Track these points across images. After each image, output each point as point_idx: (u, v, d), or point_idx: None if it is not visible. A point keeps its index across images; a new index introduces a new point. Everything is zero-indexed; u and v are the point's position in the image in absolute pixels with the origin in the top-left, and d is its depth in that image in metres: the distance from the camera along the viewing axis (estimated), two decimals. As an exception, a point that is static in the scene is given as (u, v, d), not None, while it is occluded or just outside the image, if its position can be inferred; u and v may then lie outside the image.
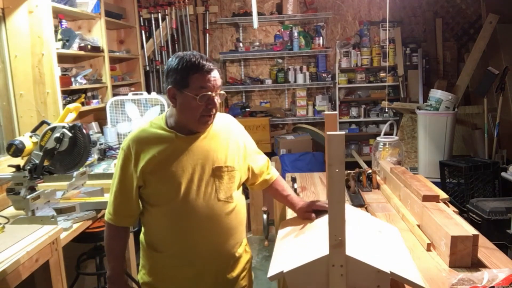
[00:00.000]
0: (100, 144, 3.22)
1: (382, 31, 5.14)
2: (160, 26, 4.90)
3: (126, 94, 3.49)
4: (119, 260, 1.58)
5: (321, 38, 5.13)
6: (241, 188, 1.63)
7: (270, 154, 4.64)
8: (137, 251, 2.46)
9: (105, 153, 3.26)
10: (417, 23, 5.30)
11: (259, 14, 4.60)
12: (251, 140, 1.68)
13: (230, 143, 1.56)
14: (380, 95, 5.18)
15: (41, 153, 2.03)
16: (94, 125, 3.65)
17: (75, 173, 2.34)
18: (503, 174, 3.18)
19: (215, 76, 1.44)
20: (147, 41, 4.94)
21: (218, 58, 5.27)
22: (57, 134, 2.02)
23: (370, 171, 2.43)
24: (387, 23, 4.30)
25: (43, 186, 2.31)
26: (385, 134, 3.47)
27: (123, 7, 4.53)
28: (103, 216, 2.19)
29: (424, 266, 1.42)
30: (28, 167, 2.03)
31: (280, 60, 5.39)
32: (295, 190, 2.30)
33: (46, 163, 2.05)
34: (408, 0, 5.19)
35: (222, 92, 1.50)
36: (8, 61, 2.78)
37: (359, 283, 1.17)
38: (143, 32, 4.84)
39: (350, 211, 1.62)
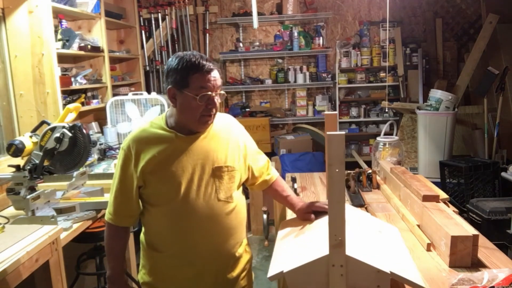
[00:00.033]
0: (100, 144, 3.22)
1: (382, 31, 5.14)
2: (160, 26, 4.90)
3: (126, 94, 3.49)
4: (119, 260, 1.58)
5: (321, 38, 5.13)
6: (241, 188, 1.63)
7: (270, 154, 4.64)
8: (137, 251, 2.46)
9: (105, 153, 3.26)
10: (417, 23, 5.30)
11: (259, 14, 4.60)
12: (252, 140, 1.68)
13: (230, 143, 1.56)
14: (380, 95, 5.18)
15: (41, 153, 2.03)
16: (94, 125, 3.65)
17: (75, 173, 2.34)
18: (503, 174, 3.18)
19: (215, 76, 1.44)
20: (147, 41, 4.94)
21: (218, 58, 5.27)
22: (57, 134, 2.02)
23: (370, 171, 2.43)
24: (387, 23, 4.30)
25: (43, 186, 2.31)
26: (385, 134, 3.47)
27: (123, 7, 4.53)
28: (103, 216, 2.19)
29: (424, 266, 1.42)
30: (28, 167, 2.03)
31: (280, 60, 5.39)
32: (295, 190, 2.30)
33: (46, 163, 2.05)
34: (408, 0, 5.19)
35: (222, 92, 1.50)
36: (8, 61, 2.78)
37: (359, 283, 1.17)
38: (143, 32, 4.84)
39: (350, 211, 1.62)
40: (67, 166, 2.09)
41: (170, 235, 1.50)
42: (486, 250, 1.52)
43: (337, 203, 1.12)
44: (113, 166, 2.89)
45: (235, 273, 1.58)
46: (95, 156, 3.13)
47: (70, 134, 2.02)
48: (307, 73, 5.23)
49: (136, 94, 3.46)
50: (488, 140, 4.19)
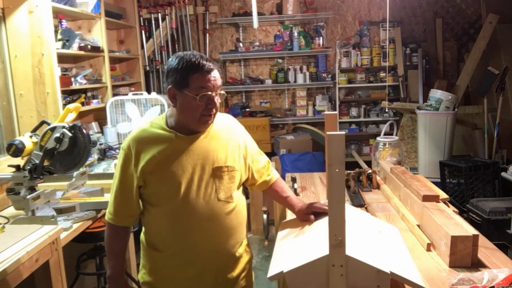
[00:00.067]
0: (100, 144, 3.22)
1: (382, 31, 5.14)
2: (160, 26, 4.90)
3: (126, 94, 3.49)
4: (119, 259, 1.59)
5: (321, 38, 5.13)
6: (241, 188, 1.63)
7: (270, 154, 4.64)
8: (137, 251, 2.46)
9: (105, 153, 3.26)
10: (417, 23, 5.30)
11: (259, 14, 4.60)
12: (252, 140, 1.68)
13: (230, 143, 1.56)
14: (380, 95, 5.18)
15: (41, 153, 2.03)
16: (94, 125, 3.65)
17: (75, 173, 2.34)
18: (503, 174, 3.18)
19: (215, 76, 1.44)
20: (147, 41, 4.94)
21: (218, 58, 5.27)
22: (57, 134, 2.02)
23: (370, 171, 2.43)
24: (387, 23, 4.30)
25: (43, 186, 2.31)
26: (385, 134, 3.47)
27: (123, 7, 4.53)
28: (103, 216, 2.19)
29: (424, 266, 1.42)
30: (28, 167, 2.03)
31: (280, 60, 5.39)
32: (295, 190, 2.30)
33: (46, 163, 2.05)
34: (408, 0, 5.19)
35: (222, 92, 1.50)
36: (8, 61, 2.78)
37: (359, 283, 1.17)
38: (143, 32, 4.84)
39: (350, 211, 1.62)
40: (67, 166, 2.09)
41: (170, 235, 1.50)
42: (486, 250, 1.52)
43: (337, 203, 1.13)
44: (113, 166, 2.89)
45: (235, 273, 1.58)
46: (95, 156, 3.13)
47: (70, 134, 2.02)
48: (307, 73, 5.23)
49: (136, 94, 3.46)
50: (488, 140, 4.19)
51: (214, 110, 1.47)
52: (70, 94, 3.37)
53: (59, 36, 3.15)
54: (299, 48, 5.09)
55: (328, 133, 1.12)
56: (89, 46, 3.45)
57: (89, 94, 3.59)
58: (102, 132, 3.46)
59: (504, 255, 1.50)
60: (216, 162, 1.50)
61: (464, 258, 1.41)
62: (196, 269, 1.52)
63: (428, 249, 1.54)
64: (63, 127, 2.03)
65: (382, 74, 5.08)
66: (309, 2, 5.25)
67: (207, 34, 5.18)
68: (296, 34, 5.07)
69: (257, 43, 5.23)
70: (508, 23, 4.59)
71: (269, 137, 4.92)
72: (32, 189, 2.07)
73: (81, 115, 3.48)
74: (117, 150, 3.28)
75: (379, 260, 1.19)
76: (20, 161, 2.15)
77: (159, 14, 4.88)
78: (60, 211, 2.08)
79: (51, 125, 2.06)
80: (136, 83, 4.57)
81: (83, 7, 3.41)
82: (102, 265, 2.43)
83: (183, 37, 5.02)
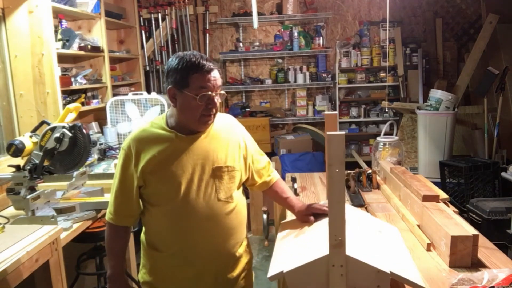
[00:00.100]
0: (100, 144, 3.22)
1: (382, 31, 5.14)
2: (160, 26, 4.90)
3: (126, 94, 3.49)
4: (119, 259, 1.59)
5: (321, 38, 5.13)
6: (241, 188, 1.63)
7: (270, 154, 4.64)
8: (137, 251, 2.46)
9: (105, 153, 3.26)
10: (417, 23, 5.31)
11: (259, 14, 4.60)
12: (252, 140, 1.68)
13: (231, 143, 1.56)
14: (380, 95, 5.18)
15: (41, 153, 2.03)
16: (94, 125, 3.65)
17: (75, 173, 2.34)
18: (503, 174, 3.18)
19: (215, 76, 1.44)
20: (147, 41, 4.94)
21: (218, 58, 5.27)
22: (57, 134, 2.02)
23: (370, 171, 2.43)
24: (387, 23, 4.30)
25: (43, 186, 2.31)
26: (385, 134, 3.47)
27: (123, 7, 4.53)
28: (103, 216, 2.20)
29: (424, 266, 1.42)
30: (28, 167, 2.03)
31: (280, 60, 5.39)
32: (295, 190, 2.30)
33: (46, 163, 2.05)
34: (408, 0, 5.19)
35: (222, 92, 1.50)
36: (8, 61, 2.78)
37: (359, 283, 1.17)
38: (143, 32, 4.84)
39: (350, 211, 1.62)
40: (67, 166, 2.09)
41: (170, 235, 1.50)
42: (486, 250, 1.52)
43: (337, 203, 1.12)
44: (113, 166, 2.89)
45: (235, 273, 1.58)
46: (95, 156, 3.13)
47: (70, 134, 2.02)
48: (307, 73, 5.23)
49: (136, 94, 3.46)
50: (488, 140, 4.19)
51: (214, 110, 1.47)
52: (70, 94, 3.37)
53: (59, 36, 3.15)
54: (299, 48, 5.09)
55: (328, 133, 1.12)
56: (89, 46, 3.45)
57: (89, 94, 3.59)
58: (102, 132, 3.46)
59: (504, 255, 1.50)
60: (216, 162, 1.50)
61: (464, 258, 1.41)
62: (196, 269, 1.52)
63: (428, 249, 1.54)
64: (63, 127, 2.03)
65: (382, 74, 5.08)
66: (309, 2, 5.25)
67: (207, 34, 5.18)
68: (296, 34, 5.07)
69: (257, 43, 5.23)
70: (508, 23, 4.59)
71: (269, 137, 4.92)
72: (32, 189, 2.07)
73: (81, 115, 3.48)
74: (117, 150, 3.28)
75: (379, 260, 1.19)
76: (20, 161, 2.15)
77: (159, 14, 4.88)
78: (60, 211, 2.08)
79: (51, 125, 2.06)
80: (136, 83, 4.57)
81: (83, 7, 3.41)
82: (102, 265, 2.43)
83: (183, 37, 5.02)
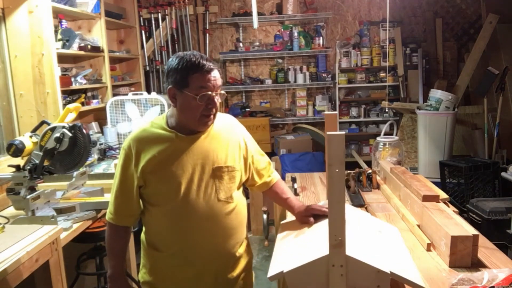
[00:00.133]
0: (100, 144, 3.22)
1: (382, 31, 5.14)
2: (160, 26, 4.90)
3: (126, 94, 3.49)
4: (120, 259, 1.59)
5: (321, 38, 5.13)
6: (241, 188, 1.63)
7: (270, 154, 4.64)
8: (137, 251, 2.46)
9: (105, 153, 3.26)
10: (417, 23, 5.31)
11: (259, 14, 4.60)
12: (253, 140, 1.68)
13: (231, 143, 1.56)
14: (380, 95, 5.18)
15: (41, 153, 2.03)
16: (94, 125, 3.65)
17: (75, 173, 2.34)
18: (503, 174, 3.18)
19: (215, 76, 1.44)
20: (147, 41, 4.94)
21: (218, 58, 5.27)
22: (57, 134, 2.02)
23: (370, 171, 2.43)
24: (387, 23, 4.30)
25: (43, 186, 2.31)
26: (385, 134, 3.47)
27: (123, 7, 4.53)
28: (103, 216, 2.20)
29: (424, 266, 1.42)
30: (28, 167, 2.03)
31: (280, 60, 5.39)
32: (295, 190, 2.30)
33: (46, 163, 2.05)
34: (408, 0, 5.19)
35: (222, 92, 1.50)
36: (8, 61, 2.78)
37: (359, 283, 1.17)
38: (143, 32, 4.84)
39: (350, 211, 1.62)
40: (67, 166, 2.09)
41: (170, 235, 1.50)
42: (486, 250, 1.52)
43: (337, 203, 1.12)
44: (113, 166, 2.89)
45: (235, 273, 1.58)
46: (95, 156, 3.13)
47: (70, 134, 2.02)
48: (307, 73, 5.23)
49: (136, 94, 3.46)
50: (488, 140, 4.19)
51: (214, 110, 1.47)
52: (70, 94, 3.37)
53: (59, 36, 3.15)
54: (299, 48, 5.09)
55: (328, 133, 1.12)
56: (89, 46, 3.45)
57: (89, 94, 3.59)
58: (102, 132, 3.46)
59: (504, 255, 1.50)
60: (216, 162, 1.50)
61: (464, 258, 1.41)
62: (196, 269, 1.52)
63: (428, 249, 1.54)
64: (63, 127, 2.03)
65: (382, 74, 5.08)
66: (309, 2, 5.25)
67: (207, 34, 5.18)
68: (296, 34, 5.07)
69: (257, 43, 5.23)
70: (508, 23, 4.59)
71: (269, 137, 4.92)
72: (32, 189, 2.07)
73: (81, 115, 3.48)
74: (117, 150, 3.28)
75: (379, 260, 1.19)
76: (20, 161, 2.15)
77: (159, 14, 4.88)
78: (60, 211, 2.08)
79: (51, 125, 2.06)
80: (136, 83, 4.57)
81: (83, 7, 3.41)
82: (102, 265, 2.43)
83: (183, 37, 5.02)
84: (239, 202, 1.58)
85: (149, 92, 4.13)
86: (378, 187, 2.32)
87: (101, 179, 2.56)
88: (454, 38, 5.23)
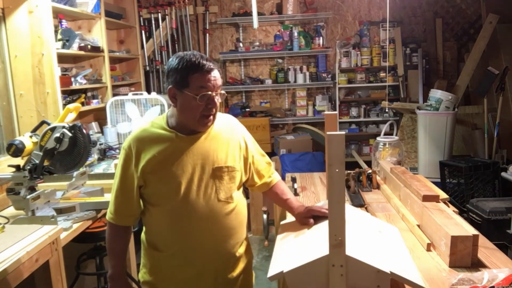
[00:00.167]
0: (100, 144, 3.22)
1: (382, 31, 5.14)
2: (160, 26, 4.90)
3: (126, 94, 3.49)
4: (120, 259, 1.59)
5: (321, 38, 5.13)
6: (241, 188, 1.63)
7: (270, 154, 4.63)
8: (137, 251, 2.46)
9: (105, 153, 3.26)
10: (417, 23, 5.31)
11: (259, 14, 4.60)
12: (253, 140, 1.68)
13: (231, 143, 1.56)
14: (380, 95, 5.18)
15: (41, 153, 2.03)
16: (94, 125, 3.65)
17: (75, 173, 2.34)
18: (503, 174, 3.18)
19: (215, 75, 1.44)
20: (147, 41, 4.94)
21: (218, 58, 5.27)
22: (57, 134, 2.02)
23: (370, 171, 2.43)
24: (387, 23, 4.30)
25: (43, 186, 2.31)
26: (385, 134, 3.47)
27: (123, 7, 4.53)
28: (103, 216, 2.20)
29: (424, 266, 1.42)
30: (28, 167, 2.03)
31: (280, 60, 5.39)
32: (295, 190, 2.30)
33: (46, 163, 2.05)
34: (408, 0, 5.19)
35: (223, 91, 1.50)
36: (8, 61, 2.78)
37: (359, 283, 1.17)
38: (143, 32, 4.84)
39: (350, 211, 1.62)
40: (67, 166, 2.09)
41: (170, 235, 1.50)
42: (486, 250, 1.52)
43: (337, 203, 1.12)
44: (113, 166, 2.89)
45: (235, 273, 1.58)
46: (95, 156, 3.13)
47: (70, 134, 2.02)
48: (307, 73, 5.23)
49: (136, 94, 3.46)
50: (488, 140, 4.19)
51: (214, 110, 1.46)
52: (70, 94, 3.37)
53: (59, 36, 3.15)
54: (299, 48, 5.09)
55: (328, 133, 1.12)
56: (89, 46, 3.45)
57: (89, 94, 3.59)
58: (102, 132, 3.46)
59: (504, 255, 1.50)
60: (216, 163, 1.50)
61: (464, 258, 1.41)
62: (196, 269, 1.52)
63: (428, 249, 1.54)
64: (63, 127, 2.03)
65: (382, 74, 5.08)
66: (309, 2, 5.25)
67: (207, 34, 5.18)
68: (296, 34, 5.07)
69: (257, 43, 5.23)
70: (508, 23, 4.59)
71: (269, 137, 4.92)
72: (32, 189, 2.07)
73: (81, 115, 3.48)
74: (117, 150, 3.28)
75: (379, 260, 1.19)
76: (20, 161, 2.15)
77: (159, 14, 4.88)
78: (60, 211, 2.08)
79: (51, 125, 2.06)
80: (136, 83, 4.57)
81: (83, 7, 3.41)
82: (102, 265, 2.43)
83: (183, 37, 5.02)
84: (239, 202, 1.58)
85: (149, 92, 4.13)
86: (378, 187, 2.32)
87: (101, 179, 2.56)
88: (454, 38, 5.23)
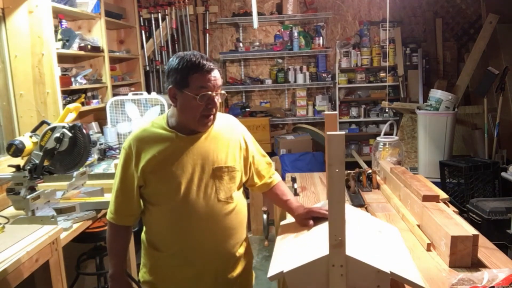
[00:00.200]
0: (100, 144, 3.22)
1: (382, 31, 5.14)
2: (160, 26, 4.90)
3: (126, 94, 3.49)
4: (120, 258, 1.59)
5: (321, 38, 5.13)
6: (241, 189, 1.63)
7: (270, 154, 4.61)
8: (137, 251, 2.46)
9: (105, 153, 3.26)
10: (417, 23, 5.31)
11: (259, 14, 4.60)
12: (254, 141, 1.67)
13: (231, 143, 1.56)
14: (380, 95, 5.18)
15: (41, 153, 2.03)
16: (94, 125, 3.65)
17: (75, 173, 2.34)
18: (503, 174, 3.18)
19: (215, 75, 1.44)
20: (147, 41, 4.94)
21: (218, 58, 5.27)
22: (57, 134, 2.02)
23: (370, 171, 2.43)
24: (387, 23, 4.30)
25: (43, 186, 2.31)
26: (385, 134, 3.47)
27: (123, 7, 4.53)
28: (103, 216, 2.20)
29: (424, 266, 1.42)
30: (28, 167, 2.03)
31: (280, 60, 5.39)
32: (295, 190, 2.30)
33: (46, 163, 2.05)
34: (408, 0, 5.19)
35: (223, 91, 1.50)
36: (8, 61, 2.78)
37: (359, 283, 1.17)
38: (143, 32, 4.84)
39: (350, 211, 1.62)
40: (67, 166, 2.09)
41: (170, 234, 1.50)
42: (486, 250, 1.52)
43: (337, 203, 1.12)
44: (113, 166, 2.89)
45: (235, 273, 1.58)
46: (95, 156, 3.13)
47: (70, 134, 2.02)
48: (307, 73, 5.23)
49: (136, 94, 3.46)
50: (488, 140, 4.19)
51: (214, 110, 1.47)
52: (70, 94, 3.37)
53: (59, 36, 3.15)
54: (299, 48, 5.09)
55: (328, 133, 1.12)
56: (89, 46, 3.45)
57: (89, 94, 3.59)
58: (102, 132, 3.46)
59: (504, 255, 1.50)
60: (216, 163, 1.50)
61: (464, 258, 1.41)
62: (196, 269, 1.52)
63: (428, 249, 1.54)
64: (63, 127, 2.03)
65: (382, 74, 5.08)
66: (309, 2, 5.25)
67: (207, 34, 5.18)
68: (296, 34, 5.07)
69: (257, 43, 5.23)
70: (508, 23, 4.59)
71: (269, 137, 4.92)
72: (32, 189, 2.07)
73: (81, 115, 3.48)
74: (117, 150, 3.28)
75: (379, 260, 1.19)
76: (20, 161, 2.15)
77: (159, 14, 4.88)
78: (60, 211, 2.08)
79: (51, 125, 2.06)
80: (136, 83, 4.57)
81: (83, 7, 3.41)
82: (102, 265, 2.43)
83: (183, 37, 5.02)
84: (239, 202, 1.58)
85: (149, 92, 4.13)
86: (378, 187, 2.32)
87: (101, 179, 2.56)
88: (454, 38, 5.23)
